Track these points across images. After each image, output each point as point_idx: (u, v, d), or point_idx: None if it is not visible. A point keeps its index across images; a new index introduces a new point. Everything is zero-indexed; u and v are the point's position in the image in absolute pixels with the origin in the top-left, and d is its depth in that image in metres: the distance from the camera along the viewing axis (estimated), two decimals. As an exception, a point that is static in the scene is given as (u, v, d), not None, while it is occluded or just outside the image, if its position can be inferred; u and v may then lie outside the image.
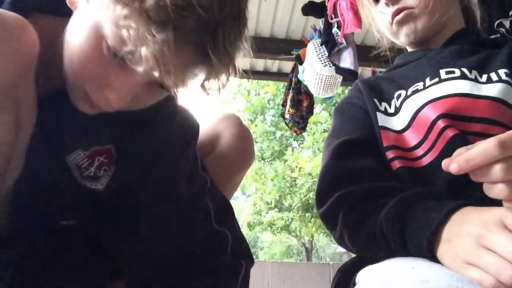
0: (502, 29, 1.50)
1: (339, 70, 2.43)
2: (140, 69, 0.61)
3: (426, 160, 0.78)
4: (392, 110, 0.89)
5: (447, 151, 0.74)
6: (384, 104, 0.91)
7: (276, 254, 16.69)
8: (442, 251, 0.57)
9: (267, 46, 3.25)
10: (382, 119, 0.87)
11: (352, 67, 2.40)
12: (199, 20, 0.59)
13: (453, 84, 0.82)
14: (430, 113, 0.80)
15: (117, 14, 0.58)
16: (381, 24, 1.01)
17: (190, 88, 0.67)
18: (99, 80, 0.65)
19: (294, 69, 3.10)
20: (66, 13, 0.68)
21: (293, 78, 3.09)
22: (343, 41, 2.41)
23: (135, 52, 0.59)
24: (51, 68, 0.68)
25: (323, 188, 0.84)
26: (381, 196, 0.72)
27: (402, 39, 0.98)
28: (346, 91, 8.77)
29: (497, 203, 0.55)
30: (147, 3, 0.57)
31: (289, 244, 16.59)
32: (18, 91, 0.63)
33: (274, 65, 3.73)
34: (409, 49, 1.03)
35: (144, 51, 0.58)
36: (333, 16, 2.37)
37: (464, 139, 0.74)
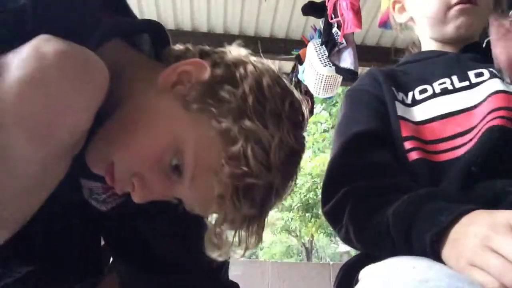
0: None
1: (339, 70, 2.43)
2: (199, 208, 0.62)
3: (448, 156, 0.77)
4: (409, 101, 0.87)
5: (481, 148, 0.73)
6: (401, 94, 0.89)
7: (276, 254, 16.67)
8: (446, 251, 0.57)
9: (267, 46, 3.25)
10: (401, 109, 0.85)
11: (352, 67, 2.40)
12: (273, 204, 0.63)
13: (488, 85, 0.82)
14: (479, 113, 0.78)
15: (218, 165, 0.57)
16: (428, 2, 0.95)
17: None
18: (138, 169, 0.60)
19: (294, 69, 3.10)
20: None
21: (293, 78, 3.09)
22: (343, 41, 2.41)
23: (210, 199, 0.59)
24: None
25: (330, 184, 0.82)
26: (389, 192, 0.71)
27: (449, 29, 0.94)
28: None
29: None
30: (256, 184, 0.57)
31: (289, 244, 16.57)
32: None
33: (274, 65, 3.73)
34: (425, 47, 1.01)
35: (216, 209, 0.59)
36: (333, 16, 2.37)
37: (502, 134, 0.72)
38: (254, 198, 0.58)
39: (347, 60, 2.42)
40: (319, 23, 2.59)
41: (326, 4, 2.40)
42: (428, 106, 0.84)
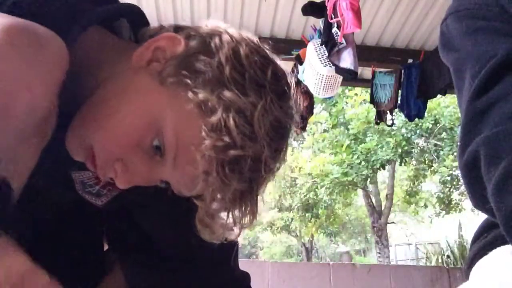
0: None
1: (339, 70, 2.44)
2: (185, 188, 0.59)
3: None
4: None
5: None
6: None
7: (276, 254, 16.68)
8: None
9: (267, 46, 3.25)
10: None
11: (352, 67, 2.41)
12: (264, 179, 0.59)
13: None
14: None
15: (199, 139, 0.54)
16: None
17: None
18: (119, 154, 0.58)
19: (294, 69, 3.10)
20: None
21: (293, 78, 3.09)
22: (343, 41, 2.41)
23: (195, 177, 0.56)
24: (69, 83, 0.58)
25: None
26: None
27: None
28: (346, 91, 8.73)
29: None
30: (242, 156, 0.55)
31: (289, 244, 16.59)
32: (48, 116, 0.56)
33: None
34: None
35: (203, 187, 0.56)
36: (333, 16, 2.37)
37: None
38: (242, 172, 0.56)
39: (347, 60, 2.42)
40: (319, 23, 2.60)
41: (326, 4, 2.40)
42: None
